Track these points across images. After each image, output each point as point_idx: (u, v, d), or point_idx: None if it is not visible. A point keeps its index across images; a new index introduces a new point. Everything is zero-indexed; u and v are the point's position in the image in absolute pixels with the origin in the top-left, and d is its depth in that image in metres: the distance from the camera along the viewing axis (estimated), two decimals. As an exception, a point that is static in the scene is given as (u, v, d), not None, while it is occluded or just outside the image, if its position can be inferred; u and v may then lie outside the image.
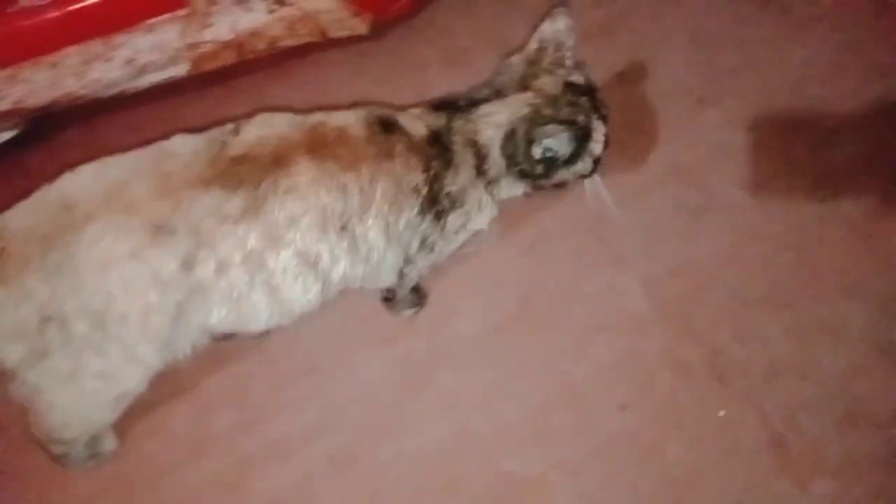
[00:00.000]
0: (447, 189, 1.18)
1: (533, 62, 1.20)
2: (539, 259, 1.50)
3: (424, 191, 1.15)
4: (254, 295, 1.07)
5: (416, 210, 1.16)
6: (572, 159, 1.20)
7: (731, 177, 1.58)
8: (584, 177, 1.28)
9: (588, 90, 1.21)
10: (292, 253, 1.06)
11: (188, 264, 1.00)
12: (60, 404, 1.08)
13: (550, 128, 1.14)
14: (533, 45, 1.22)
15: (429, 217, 1.19)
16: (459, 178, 1.19)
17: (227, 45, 1.53)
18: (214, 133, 1.09)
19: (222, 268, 1.02)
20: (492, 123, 1.18)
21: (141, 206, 0.99)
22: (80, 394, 1.07)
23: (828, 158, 1.61)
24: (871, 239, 1.52)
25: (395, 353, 1.41)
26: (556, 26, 1.19)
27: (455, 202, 1.20)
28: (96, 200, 0.99)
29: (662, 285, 1.47)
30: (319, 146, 1.07)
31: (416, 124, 1.18)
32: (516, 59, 1.23)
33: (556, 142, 1.15)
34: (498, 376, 1.38)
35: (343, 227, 1.09)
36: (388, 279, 1.27)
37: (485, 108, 1.19)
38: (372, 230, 1.12)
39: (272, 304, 1.10)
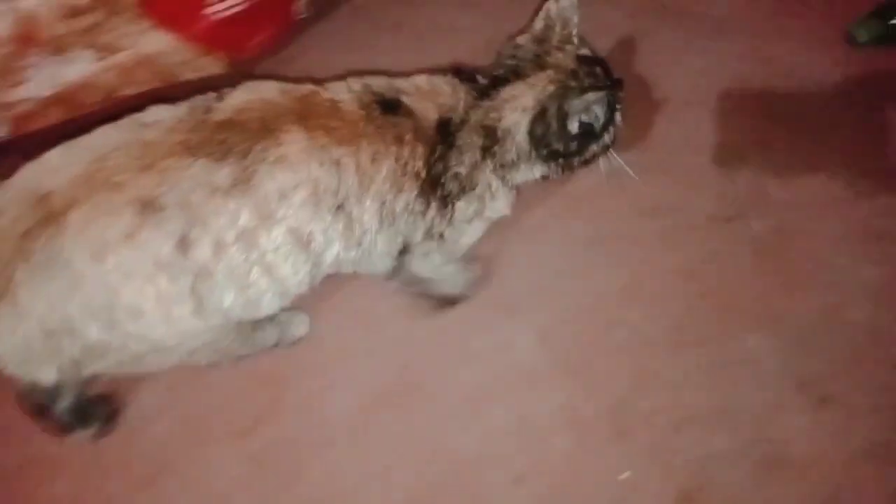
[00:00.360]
0: (454, 170, 1.11)
1: (542, 40, 1.16)
2: (420, 317, 1.33)
3: (424, 174, 1.09)
4: (252, 275, 0.99)
5: (415, 192, 1.09)
6: (603, 129, 1.16)
7: (626, 205, 1.47)
8: (606, 149, 1.22)
9: (599, 61, 1.18)
10: (284, 230, 0.98)
11: (183, 245, 0.92)
12: (136, 370, 1.06)
13: (588, 96, 1.09)
14: (539, 23, 1.17)
15: (434, 203, 1.12)
16: (465, 159, 1.12)
17: (51, 102, 1.35)
18: (197, 100, 1.01)
19: (218, 248, 0.94)
20: (517, 107, 1.11)
21: (124, 181, 0.89)
22: (154, 365, 1.05)
23: (731, 176, 1.51)
24: (779, 258, 1.41)
25: (253, 446, 1.21)
26: (562, 4, 1.15)
27: (464, 186, 1.14)
28: (74, 183, 0.88)
29: (558, 333, 1.33)
30: (311, 116, 1.00)
31: (422, 104, 1.11)
32: (524, 39, 1.18)
33: (597, 109, 1.11)
34: (376, 463, 1.20)
35: (339, 207, 1.02)
36: (380, 266, 1.19)
37: (507, 91, 1.12)
38: (368, 212, 1.06)
39: (271, 283, 1.01)
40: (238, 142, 0.94)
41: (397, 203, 1.08)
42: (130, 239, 0.88)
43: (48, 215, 0.87)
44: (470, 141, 1.12)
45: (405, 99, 1.09)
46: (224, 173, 0.92)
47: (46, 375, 0.95)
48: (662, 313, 1.35)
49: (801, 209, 1.47)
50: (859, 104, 1.62)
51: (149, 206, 0.89)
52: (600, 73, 1.15)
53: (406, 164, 1.06)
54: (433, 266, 1.23)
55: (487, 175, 1.15)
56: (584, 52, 1.16)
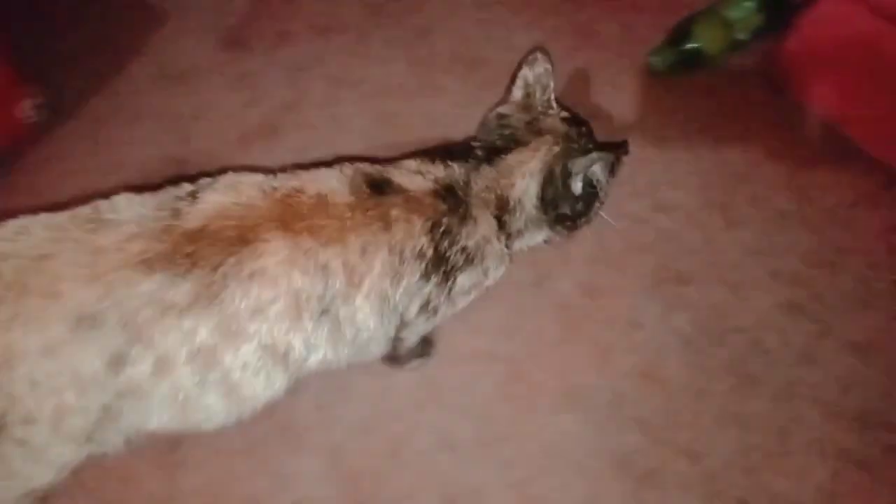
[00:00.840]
0: (462, 244, 1.04)
1: (527, 108, 1.15)
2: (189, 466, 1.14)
3: (430, 252, 1.00)
4: (206, 396, 0.89)
5: (417, 275, 1.01)
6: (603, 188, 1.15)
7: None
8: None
9: (583, 121, 1.17)
10: (255, 347, 0.89)
11: (117, 362, 0.83)
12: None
13: (592, 156, 1.08)
14: (518, 91, 1.16)
15: (433, 279, 1.03)
16: (479, 231, 1.06)
17: None
18: (167, 195, 0.92)
19: (162, 367, 0.85)
20: (526, 172, 1.09)
21: (63, 289, 0.81)
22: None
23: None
24: (586, 321, 1.30)
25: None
26: (537, 70, 1.15)
27: (472, 259, 1.06)
28: (7, 275, 0.81)
29: (349, 453, 1.16)
30: (295, 218, 0.91)
31: (415, 179, 1.04)
32: (508, 109, 1.16)
33: (597, 168, 1.11)
34: None
35: (323, 312, 0.93)
36: (377, 352, 1.10)
37: (513, 158, 1.09)
38: (361, 310, 0.96)
39: (230, 403, 0.92)
40: (207, 255, 0.85)
41: (397, 290, 1.00)
42: (51, 352, 0.81)
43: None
44: (483, 212, 1.07)
45: (395, 177, 1.03)
46: (183, 290, 0.84)
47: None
48: (468, 408, 1.21)
49: (603, 262, 1.38)
50: (666, 138, 1.56)
51: (84, 322, 0.81)
52: (587, 132, 1.15)
53: (403, 249, 0.98)
54: (418, 333, 1.16)
55: (499, 245, 1.10)
56: (566, 114, 1.15)
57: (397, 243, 0.96)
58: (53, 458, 0.89)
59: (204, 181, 0.94)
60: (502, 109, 1.16)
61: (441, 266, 1.02)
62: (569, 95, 1.43)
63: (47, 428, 0.84)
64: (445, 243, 1.01)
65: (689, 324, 1.31)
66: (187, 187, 0.93)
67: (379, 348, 1.08)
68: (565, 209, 1.11)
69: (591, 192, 1.12)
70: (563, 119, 1.13)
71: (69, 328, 0.81)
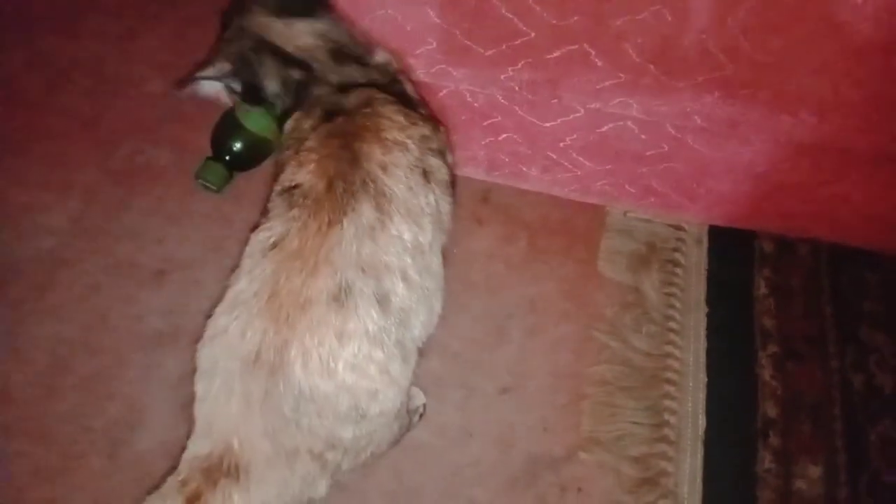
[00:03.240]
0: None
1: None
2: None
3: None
4: (426, 282, 1.01)
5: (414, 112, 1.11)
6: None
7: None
8: None
9: None
10: (429, 220, 1.01)
11: (384, 301, 0.93)
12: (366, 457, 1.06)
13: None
14: None
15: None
16: None
17: None
18: (284, 201, 0.97)
19: (406, 278, 0.96)
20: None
21: (309, 296, 0.89)
22: (374, 445, 1.05)
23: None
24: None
25: None
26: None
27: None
28: (272, 330, 0.89)
29: None
30: (349, 134, 1.01)
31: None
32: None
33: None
34: None
35: (425, 173, 1.04)
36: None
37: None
38: (435, 167, 1.08)
39: (435, 282, 1.05)
40: (351, 182, 0.95)
41: (427, 132, 1.09)
42: (343, 336, 0.89)
43: (271, 370, 0.88)
44: None
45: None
46: (367, 211, 0.94)
47: (320, 491, 0.97)
48: None
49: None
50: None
51: (340, 294, 0.89)
52: None
53: (404, 123, 1.06)
54: None
55: None
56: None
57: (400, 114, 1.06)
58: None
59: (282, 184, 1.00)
60: None
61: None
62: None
63: (385, 385, 0.95)
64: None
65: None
66: (278, 195, 0.99)
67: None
68: None
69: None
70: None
71: (337, 310, 0.89)
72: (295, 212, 0.94)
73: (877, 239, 1.47)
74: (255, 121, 1.54)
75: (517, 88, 1.27)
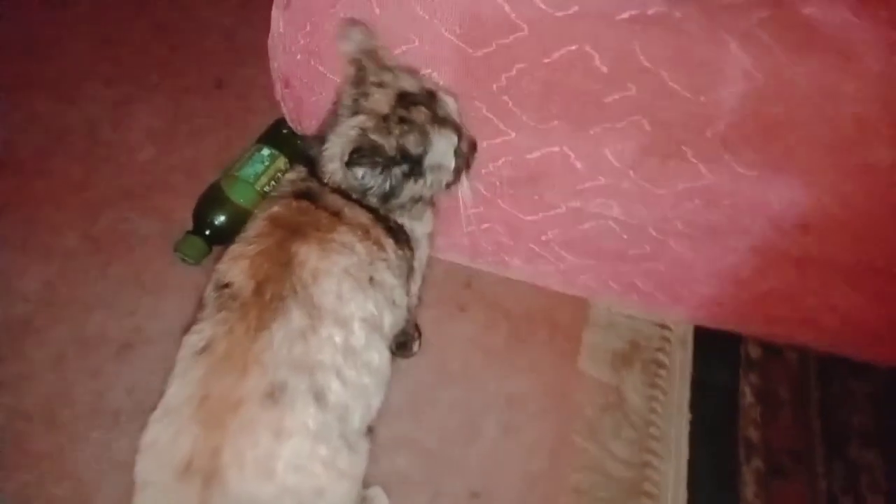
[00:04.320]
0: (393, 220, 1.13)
1: (359, 82, 1.09)
2: None
3: (379, 223, 1.10)
4: (363, 380, 0.99)
5: (391, 240, 1.11)
6: (412, 177, 1.08)
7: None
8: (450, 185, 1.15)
9: (424, 98, 1.08)
10: (359, 324, 0.99)
11: (320, 398, 0.91)
12: None
13: (358, 161, 1.03)
14: (350, 68, 1.10)
15: (403, 246, 1.15)
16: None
17: None
18: (213, 302, 0.96)
19: (341, 376, 0.94)
20: (329, 158, 1.08)
21: (240, 396, 0.86)
22: None
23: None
24: None
25: None
26: (354, 38, 1.09)
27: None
28: (202, 436, 0.84)
29: None
30: (296, 229, 1.01)
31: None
32: (341, 87, 1.12)
33: (366, 175, 1.05)
34: None
35: (371, 279, 1.04)
36: (405, 317, 1.23)
37: (326, 145, 1.09)
38: (384, 273, 1.07)
39: (374, 379, 1.02)
40: (280, 289, 0.93)
41: (390, 256, 1.10)
42: (281, 434, 0.87)
43: (204, 478, 0.83)
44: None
45: (309, 187, 1.09)
46: (297, 317, 0.92)
47: None
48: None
49: None
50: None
51: (274, 392, 0.87)
52: (419, 115, 1.06)
53: (366, 228, 1.07)
54: (414, 294, 1.28)
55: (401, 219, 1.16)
56: (408, 85, 1.08)
57: (356, 223, 1.06)
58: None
59: (217, 277, 1.00)
60: (339, 90, 1.13)
61: (398, 234, 1.13)
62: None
63: (333, 481, 0.91)
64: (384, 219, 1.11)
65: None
66: (212, 291, 0.98)
67: (403, 313, 1.19)
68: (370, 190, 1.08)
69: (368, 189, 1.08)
70: (397, 94, 1.06)
71: (270, 407, 0.86)
72: (223, 314, 0.92)
73: (866, 349, 1.42)
74: (241, 192, 1.54)
75: (498, 184, 1.26)
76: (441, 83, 1.12)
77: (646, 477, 1.33)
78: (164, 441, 0.86)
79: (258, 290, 0.93)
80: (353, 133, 1.05)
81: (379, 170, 1.03)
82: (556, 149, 1.14)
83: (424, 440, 1.38)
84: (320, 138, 1.11)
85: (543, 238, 1.40)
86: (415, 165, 1.06)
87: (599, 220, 1.28)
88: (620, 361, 1.49)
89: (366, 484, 1.28)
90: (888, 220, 1.09)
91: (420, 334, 1.51)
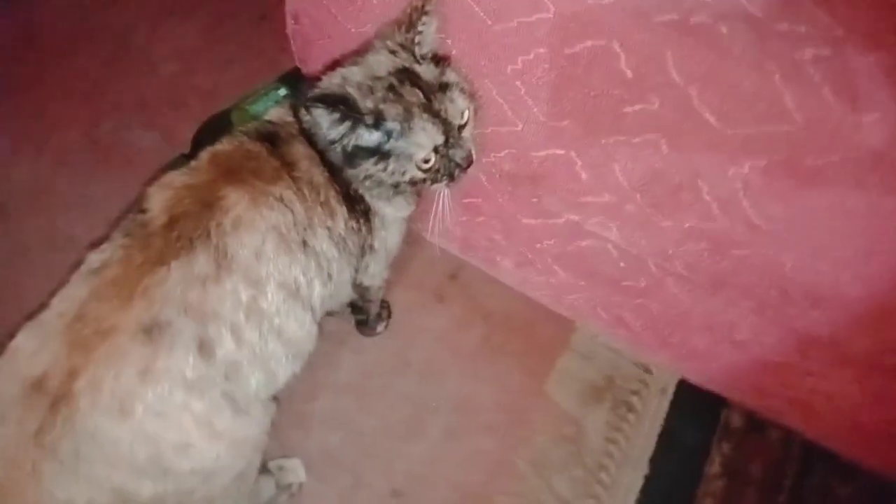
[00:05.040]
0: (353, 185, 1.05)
1: (385, 36, 1.02)
2: None
3: (338, 190, 1.03)
4: (269, 346, 0.93)
5: (346, 209, 1.04)
6: (375, 155, 0.98)
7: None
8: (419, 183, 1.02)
9: (427, 86, 0.96)
10: (275, 287, 0.92)
11: (205, 348, 0.84)
12: None
13: (316, 102, 0.93)
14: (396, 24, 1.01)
15: (361, 218, 1.08)
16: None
17: None
18: (122, 226, 0.92)
19: (237, 334, 0.88)
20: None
21: (114, 323, 0.80)
22: (198, 502, 0.90)
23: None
24: None
25: None
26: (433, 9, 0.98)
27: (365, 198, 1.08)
28: (62, 354, 0.79)
29: None
30: (232, 171, 0.94)
31: (292, 133, 1.03)
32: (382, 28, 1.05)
33: (322, 118, 0.94)
34: None
35: (304, 244, 0.97)
36: (347, 293, 1.19)
37: (316, 85, 1.02)
38: (324, 241, 1.00)
39: (286, 347, 0.96)
40: (193, 229, 0.87)
41: (338, 225, 1.03)
42: (148, 374, 0.81)
43: (54, 401, 0.78)
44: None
45: (278, 129, 1.02)
46: (202, 261, 0.86)
47: None
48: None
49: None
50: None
51: (153, 329, 0.81)
52: (413, 96, 0.95)
53: (319, 188, 1.00)
54: (373, 275, 1.21)
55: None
56: (421, 69, 0.97)
57: (307, 177, 0.98)
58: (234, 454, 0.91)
59: (134, 203, 0.94)
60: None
61: (357, 205, 1.05)
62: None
63: (204, 443, 0.85)
64: (343, 182, 1.03)
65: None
66: (129, 214, 0.93)
67: (348, 289, 1.15)
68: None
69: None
70: (402, 68, 0.97)
71: (144, 342, 0.81)
72: (127, 240, 0.87)
73: (856, 449, 1.28)
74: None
75: (497, 176, 1.16)
76: (460, 75, 1.02)
77: (581, 521, 1.23)
78: (24, 351, 0.81)
79: (169, 224, 0.87)
80: (335, 80, 0.98)
81: (338, 117, 0.93)
82: (563, 152, 1.04)
83: (363, 425, 1.31)
84: (318, 79, 1.03)
85: (538, 246, 1.30)
86: (383, 142, 0.96)
87: (598, 240, 1.18)
88: (590, 395, 1.38)
89: (287, 453, 1.23)
90: (910, 315, 0.96)
91: (390, 315, 1.43)
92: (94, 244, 0.91)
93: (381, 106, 0.94)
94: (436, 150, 0.97)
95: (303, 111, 1.00)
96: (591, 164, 1.03)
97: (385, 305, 1.42)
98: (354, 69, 0.98)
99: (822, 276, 0.97)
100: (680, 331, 1.27)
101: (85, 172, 1.56)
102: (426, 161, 0.97)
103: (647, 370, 1.42)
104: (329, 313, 1.39)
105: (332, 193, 1.01)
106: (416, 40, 0.97)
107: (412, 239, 1.59)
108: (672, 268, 1.12)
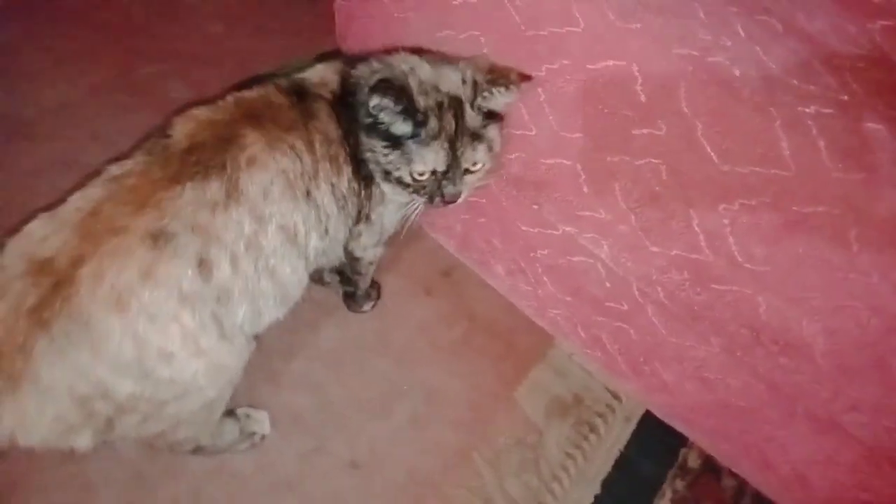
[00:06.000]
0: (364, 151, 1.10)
1: (473, 63, 1.08)
2: None
3: (347, 148, 1.09)
4: (262, 283, 0.99)
5: (351, 169, 1.10)
6: (395, 146, 1.06)
7: None
8: (401, 183, 1.10)
9: (465, 129, 1.04)
10: (276, 228, 0.98)
11: (205, 268, 0.90)
12: (153, 433, 0.99)
13: (381, 84, 1.00)
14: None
15: (362, 183, 1.13)
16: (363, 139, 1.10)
17: None
18: (146, 145, 0.98)
19: (235, 262, 0.93)
20: (371, 70, 1.08)
21: (126, 224, 0.85)
22: (164, 423, 0.97)
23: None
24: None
25: None
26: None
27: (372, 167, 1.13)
28: (72, 242, 0.84)
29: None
30: (254, 115, 1.00)
31: (324, 90, 1.10)
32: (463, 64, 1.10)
33: (376, 101, 1.01)
34: None
35: (307, 194, 1.03)
36: (338, 254, 1.23)
37: (380, 60, 1.10)
38: (325, 195, 1.07)
39: (275, 289, 1.02)
40: (210, 157, 0.93)
41: (342, 184, 1.09)
42: (149, 276, 0.85)
43: (57, 281, 0.82)
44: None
45: (309, 86, 1.09)
46: (215, 188, 0.92)
47: (82, 442, 0.89)
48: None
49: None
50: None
51: (160, 237, 0.86)
52: (451, 122, 1.03)
53: (331, 144, 1.06)
54: (364, 247, 1.26)
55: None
56: (480, 102, 1.05)
57: (324, 131, 1.05)
58: (208, 374, 0.94)
59: (161, 127, 0.99)
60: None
61: (361, 169, 1.10)
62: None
63: (186, 353, 0.89)
64: (354, 144, 1.08)
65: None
66: (154, 137, 0.98)
67: (339, 251, 1.21)
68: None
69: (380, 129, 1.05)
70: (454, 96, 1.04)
71: (150, 248, 0.86)
72: (149, 158, 0.93)
73: (803, 507, 1.31)
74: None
75: (504, 178, 1.21)
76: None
77: (524, 527, 1.26)
78: (37, 235, 0.85)
79: (189, 150, 0.93)
80: (404, 66, 1.06)
81: (396, 103, 1.01)
82: (570, 163, 1.09)
83: (334, 394, 1.34)
84: (363, 59, 1.12)
85: (532, 255, 1.34)
86: (405, 137, 1.04)
87: (588, 256, 1.22)
88: (557, 408, 1.42)
89: (257, 405, 1.27)
90: (870, 378, 0.99)
91: (379, 297, 1.47)
92: (113, 160, 0.96)
93: (429, 112, 1.02)
94: (434, 173, 1.06)
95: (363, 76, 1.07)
96: (594, 178, 1.08)
97: (376, 286, 1.47)
98: (426, 67, 1.06)
99: (792, 323, 1.01)
100: (652, 361, 1.30)
101: (114, 109, 1.61)
102: (421, 174, 1.07)
103: (616, 397, 1.45)
104: (319, 280, 1.44)
105: (342, 152, 1.07)
106: (485, 94, 1.04)
107: (412, 231, 1.65)
108: (654, 294, 1.16)
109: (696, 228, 1.01)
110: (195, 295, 0.89)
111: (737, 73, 0.90)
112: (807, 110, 0.89)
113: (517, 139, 1.14)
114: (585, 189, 1.10)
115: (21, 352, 0.81)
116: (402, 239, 1.57)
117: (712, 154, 0.94)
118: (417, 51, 1.14)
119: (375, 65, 1.10)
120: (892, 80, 0.98)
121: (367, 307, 1.45)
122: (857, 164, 0.87)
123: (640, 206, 1.05)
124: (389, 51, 1.14)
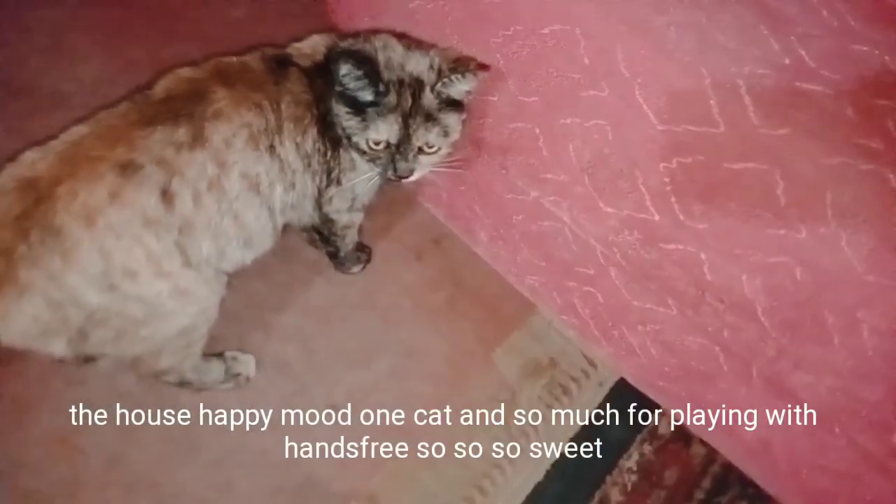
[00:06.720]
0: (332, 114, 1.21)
1: (442, 53, 1.17)
2: None
3: (315, 113, 1.19)
4: (224, 222, 1.10)
5: (316, 130, 1.19)
6: (357, 112, 1.15)
7: None
8: (358, 150, 1.20)
9: (420, 110, 1.14)
10: (238, 175, 1.10)
11: (168, 198, 1.02)
12: (131, 355, 1.13)
13: (349, 53, 1.12)
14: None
15: (329, 145, 1.23)
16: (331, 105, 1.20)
17: None
18: (132, 98, 1.11)
19: (197, 199, 1.05)
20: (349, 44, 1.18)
21: (101, 154, 1.00)
22: (141, 345, 1.10)
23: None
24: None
25: None
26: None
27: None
28: (55, 166, 0.98)
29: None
30: (227, 76, 1.13)
31: (307, 59, 1.21)
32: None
33: (345, 66, 1.12)
34: None
35: (271, 147, 1.14)
36: (309, 211, 1.31)
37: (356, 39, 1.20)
38: (290, 152, 1.17)
39: (238, 231, 1.13)
40: (182, 107, 1.06)
41: (307, 143, 1.19)
42: (116, 198, 0.98)
43: (38, 196, 0.96)
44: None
45: (293, 56, 1.21)
46: (182, 132, 1.04)
47: (57, 349, 1.03)
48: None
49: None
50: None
51: (128, 167, 0.99)
52: (408, 99, 1.13)
53: (299, 105, 1.16)
54: (337, 210, 1.35)
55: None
56: (440, 87, 1.13)
57: (293, 93, 1.15)
58: (173, 303, 1.05)
59: (151, 82, 1.13)
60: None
61: (328, 132, 1.20)
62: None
63: (150, 273, 1.01)
64: (323, 109, 1.18)
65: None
66: (138, 92, 1.12)
67: (310, 208, 1.30)
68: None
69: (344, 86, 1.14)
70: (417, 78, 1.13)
71: (118, 174, 0.98)
72: (130, 105, 1.08)
73: (773, 482, 1.33)
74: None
75: (477, 145, 1.29)
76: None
77: (486, 474, 1.33)
78: (28, 159, 1.00)
79: (165, 100, 1.06)
80: (377, 43, 1.17)
81: (360, 72, 1.11)
82: (529, 126, 1.15)
83: (319, 345, 1.44)
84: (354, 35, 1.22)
85: (508, 221, 1.41)
86: (366, 104, 1.14)
87: (555, 221, 1.28)
88: (532, 370, 1.48)
89: (245, 350, 1.38)
90: (808, 334, 1.02)
91: (369, 260, 1.57)
92: (106, 106, 1.10)
93: (390, 86, 1.13)
94: (388, 146, 1.16)
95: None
96: (551, 140, 1.14)
97: (366, 250, 1.56)
98: (399, 49, 1.16)
99: (734, 281, 1.05)
100: (620, 324, 1.35)
101: (140, 84, 1.77)
102: (377, 144, 1.17)
103: (592, 364, 1.50)
104: (313, 242, 1.55)
105: (308, 114, 1.18)
106: (445, 81, 1.13)
107: (406, 199, 1.73)
108: (613, 256, 1.21)
109: (642, 188, 1.06)
110: (158, 221, 1.01)
111: (672, 34, 0.95)
112: (742, 71, 0.93)
113: (483, 104, 1.21)
114: (545, 152, 1.16)
115: (3, 255, 0.94)
116: (397, 207, 1.67)
117: (649, 113, 0.99)
118: (400, 35, 1.23)
119: (355, 40, 1.20)
120: (845, 49, 1.01)
121: (355, 269, 1.54)
122: (783, 121, 0.90)
123: (592, 166, 1.11)
124: (376, 31, 1.23)
